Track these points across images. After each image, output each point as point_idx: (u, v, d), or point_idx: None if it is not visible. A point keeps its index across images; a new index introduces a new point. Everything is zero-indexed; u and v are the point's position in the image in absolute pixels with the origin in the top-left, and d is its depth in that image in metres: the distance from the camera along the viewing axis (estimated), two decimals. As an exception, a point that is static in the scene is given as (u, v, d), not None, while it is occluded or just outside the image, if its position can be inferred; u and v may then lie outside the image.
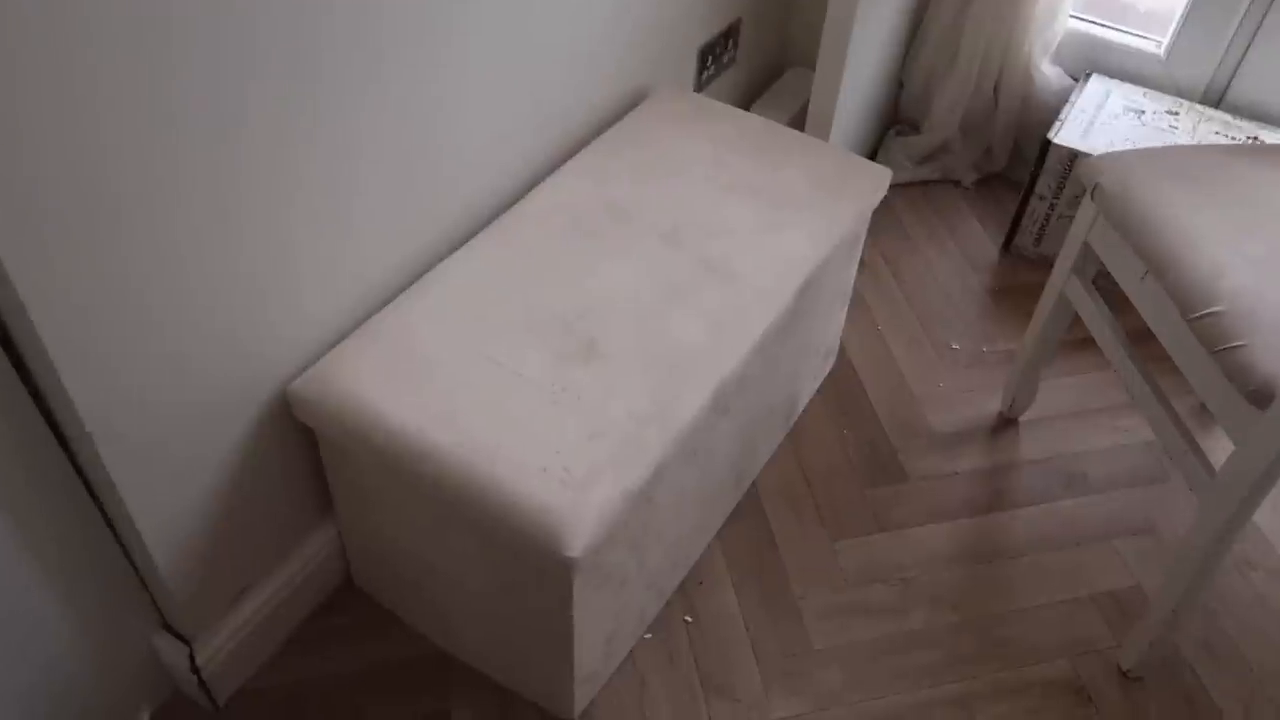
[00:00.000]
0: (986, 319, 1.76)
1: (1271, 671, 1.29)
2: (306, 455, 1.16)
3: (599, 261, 1.20)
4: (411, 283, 1.18)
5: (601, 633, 1.15)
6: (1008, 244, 1.89)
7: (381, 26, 0.99)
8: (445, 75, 1.11)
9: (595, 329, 1.13)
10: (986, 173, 2.05)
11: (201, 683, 1.15)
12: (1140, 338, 1.26)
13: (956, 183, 2.04)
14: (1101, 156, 1.29)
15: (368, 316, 1.14)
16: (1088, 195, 1.29)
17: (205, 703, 1.19)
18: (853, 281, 1.53)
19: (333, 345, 1.11)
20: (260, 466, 1.11)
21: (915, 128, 2.07)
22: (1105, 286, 1.34)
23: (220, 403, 1.01)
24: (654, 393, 1.07)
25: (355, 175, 1.04)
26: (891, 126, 2.09)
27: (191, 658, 1.12)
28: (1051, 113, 1.84)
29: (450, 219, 1.22)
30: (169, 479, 1.00)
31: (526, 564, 1.01)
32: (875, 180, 1.39)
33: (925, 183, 2.03)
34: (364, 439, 1.03)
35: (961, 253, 1.89)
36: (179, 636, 1.13)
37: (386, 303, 1.16)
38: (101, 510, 0.99)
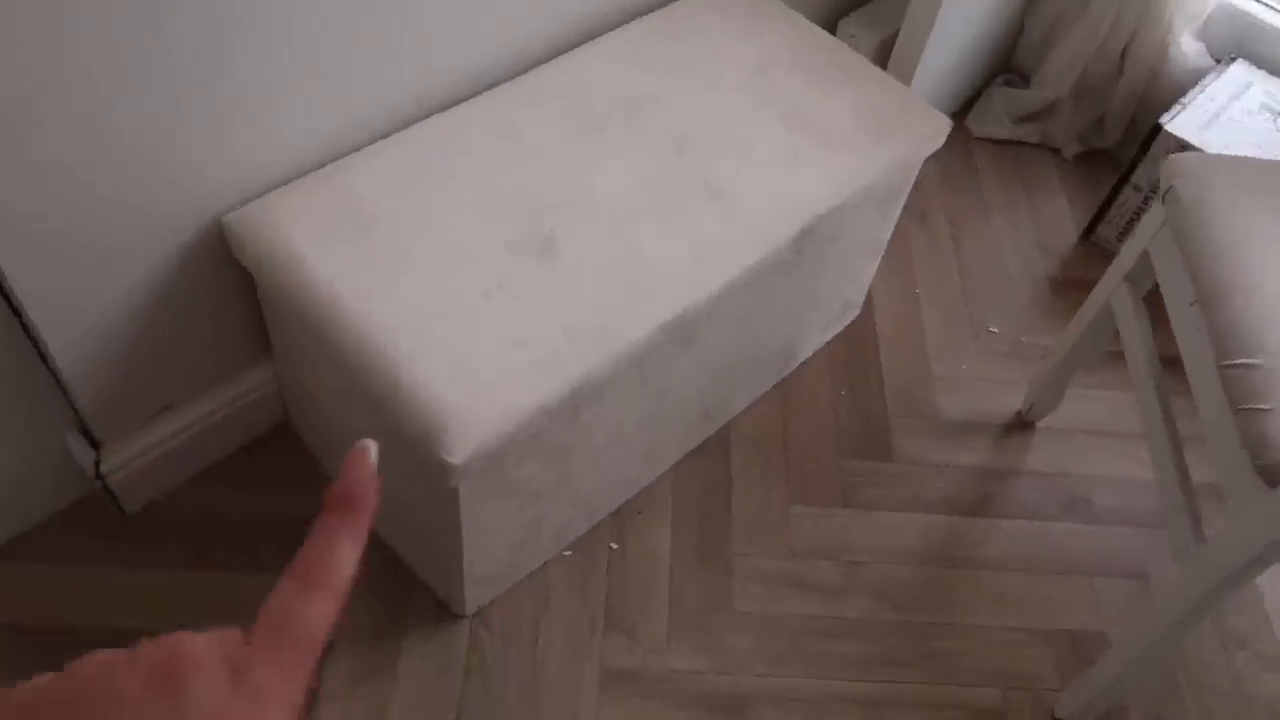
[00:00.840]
0: (1037, 308, 1.60)
1: (1220, 760, 1.17)
2: (247, 290, 1.12)
3: (589, 156, 1.10)
4: (383, 137, 1.10)
5: (503, 540, 1.10)
6: (1089, 232, 1.70)
7: None
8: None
9: (559, 227, 1.03)
10: (1092, 147, 1.84)
11: (106, 488, 1.14)
12: (1175, 370, 1.11)
13: (1056, 151, 1.84)
14: (1186, 156, 1.12)
15: (327, 163, 1.07)
16: (1159, 198, 1.12)
17: (114, 508, 1.19)
18: (888, 236, 1.39)
19: (282, 184, 1.04)
20: (189, 292, 1.06)
21: (1025, 79, 1.86)
22: (1158, 304, 1.18)
23: (143, 212, 0.96)
24: (600, 308, 0.98)
25: (316, 11, 0.95)
26: (1000, 74, 1.88)
27: (96, 462, 1.11)
28: (1180, 94, 1.62)
29: (434, 81, 1.12)
30: (76, 288, 0.96)
31: (415, 457, 0.95)
32: (932, 130, 1.24)
33: (1020, 144, 1.83)
34: (282, 287, 0.97)
35: (1035, 230, 1.71)
36: (91, 439, 1.12)
37: (347, 154, 1.08)
38: (7, 298, 0.96)
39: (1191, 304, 1.04)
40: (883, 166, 1.18)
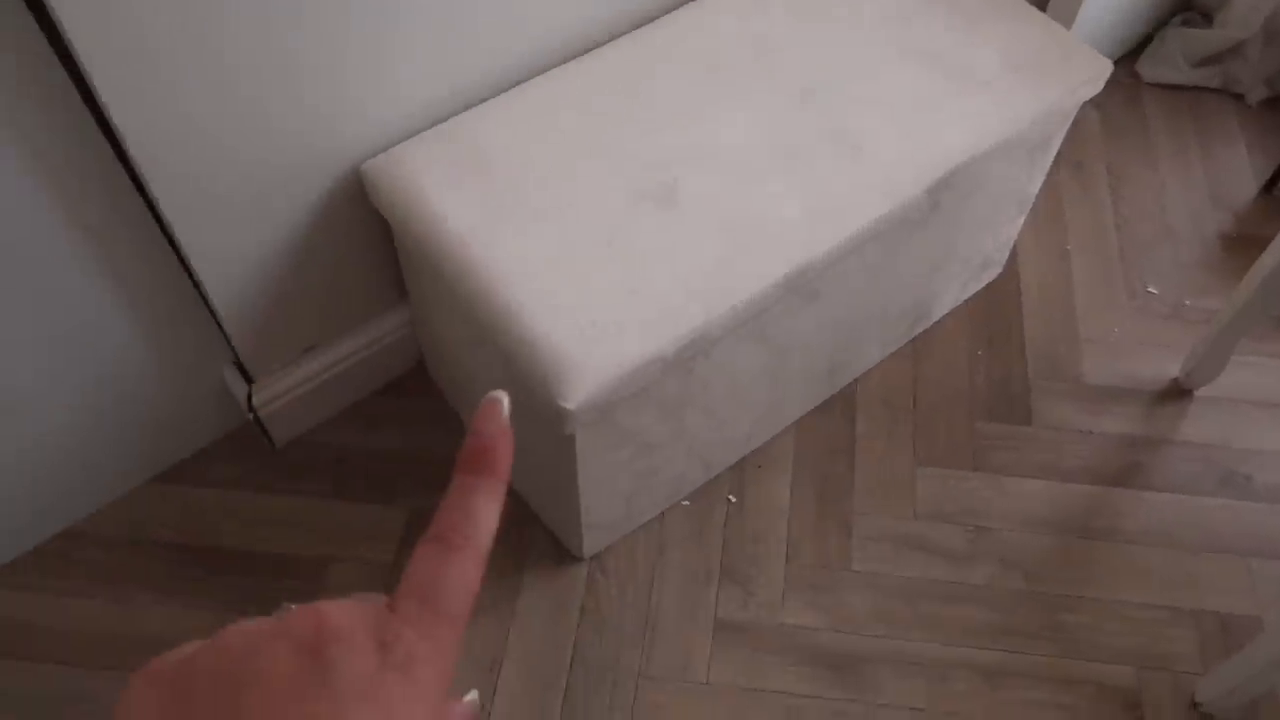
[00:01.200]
0: (1205, 268, 1.48)
1: (1384, 762, 1.08)
2: (385, 237, 1.16)
3: (714, 107, 1.08)
4: (512, 88, 1.11)
5: (619, 488, 1.12)
6: (1271, 185, 1.56)
7: None
8: None
9: (681, 178, 1.02)
10: (1282, 92, 1.67)
11: (258, 420, 1.22)
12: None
13: (1239, 97, 1.69)
14: (1384, 101, 1.00)
15: (458, 113, 1.09)
16: (1349, 147, 1.01)
17: (265, 440, 1.27)
18: (1037, 188, 1.31)
19: (415, 134, 1.07)
20: (331, 237, 1.11)
21: (1207, 18, 1.71)
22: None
23: (288, 165, 1.01)
24: (719, 261, 0.97)
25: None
26: (1179, 13, 1.73)
27: (249, 396, 1.19)
28: (1388, 33, 1.45)
29: (557, 34, 1.12)
30: (229, 232, 1.02)
31: (535, 404, 0.97)
32: (1090, 74, 1.15)
33: (1198, 89, 1.69)
34: (415, 234, 1.01)
35: (1209, 183, 1.58)
36: (245, 375, 1.20)
37: (475, 105, 1.10)
38: (174, 247, 1.03)
39: (1376, 266, 0.94)
40: (1031, 114, 1.11)
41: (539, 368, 0.91)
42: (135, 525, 1.21)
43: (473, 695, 0.33)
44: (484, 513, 0.29)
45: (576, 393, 0.89)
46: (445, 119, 1.08)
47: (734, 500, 1.25)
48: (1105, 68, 1.16)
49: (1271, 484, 1.27)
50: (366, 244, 1.16)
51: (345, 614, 0.26)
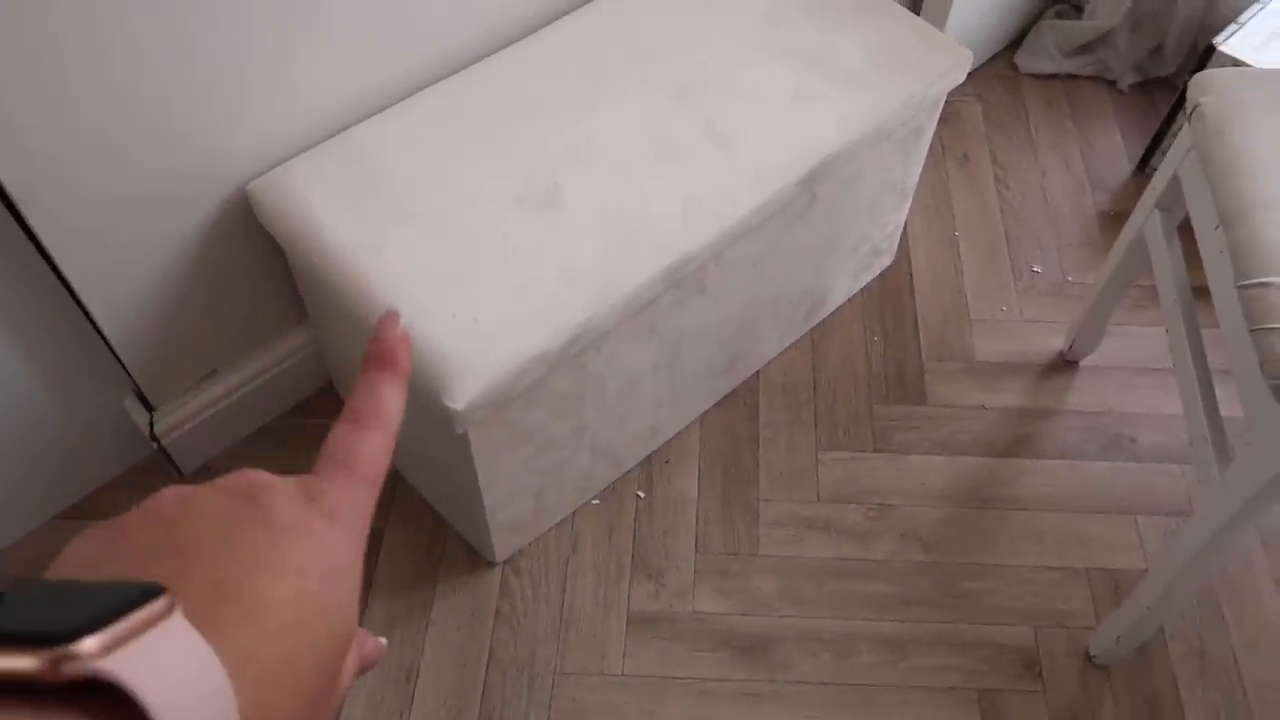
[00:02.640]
0: (1086, 246, 1.55)
1: (1267, 699, 1.13)
2: (279, 255, 1.17)
3: (594, 109, 1.12)
4: (399, 101, 1.14)
5: (526, 487, 1.14)
6: (1143, 163, 1.64)
7: None
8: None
9: (563, 178, 1.05)
10: (1151, 76, 1.76)
11: (162, 448, 1.22)
12: (1207, 301, 1.07)
13: (1112, 83, 1.77)
14: (1214, 73, 1.07)
15: (346, 128, 1.11)
16: (1186, 118, 1.07)
17: (171, 469, 1.27)
18: (915, 178, 1.36)
19: (302, 151, 1.09)
20: (223, 259, 1.12)
21: (1078, 10, 1.79)
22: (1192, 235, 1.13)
23: (171, 189, 1.02)
24: (600, 256, 1.00)
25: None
26: (1052, 5, 1.82)
27: (151, 424, 1.19)
28: (1240, 14, 1.53)
29: (444, 46, 1.15)
30: (115, 259, 1.03)
31: (426, 406, 0.99)
32: (952, 64, 1.21)
33: (1073, 78, 1.77)
34: (302, 250, 1.02)
35: (1087, 166, 1.65)
36: (146, 403, 1.20)
37: (367, 119, 1.12)
38: (60, 277, 1.04)
39: (1216, 227, 1.00)
40: (897, 104, 1.16)
41: (426, 370, 0.93)
42: (37, 567, 1.20)
43: (382, 640, 0.35)
44: (391, 399, 0.33)
45: (463, 392, 0.92)
46: (331, 134, 1.10)
47: (643, 496, 1.27)
48: (966, 57, 1.22)
49: (1154, 444, 1.33)
50: (261, 264, 1.17)
51: (271, 475, 0.29)
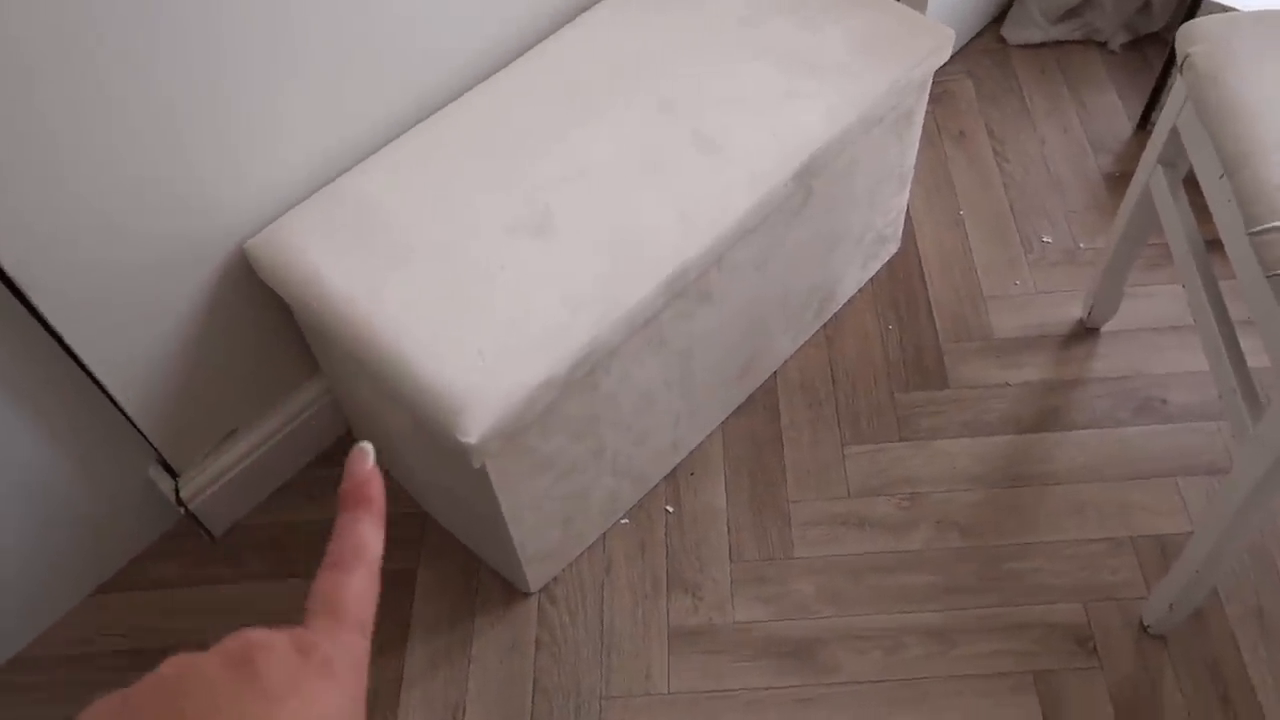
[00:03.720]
0: (1094, 210, 1.52)
1: (1333, 652, 1.10)
2: (285, 309, 1.18)
3: (580, 130, 1.11)
4: (385, 144, 1.14)
5: (552, 515, 1.13)
6: (1144, 120, 1.61)
7: None
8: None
9: (555, 203, 1.05)
10: (1141, 33, 1.74)
11: (190, 514, 1.23)
12: (1221, 253, 1.05)
13: (1102, 45, 1.75)
14: (1200, 21, 1.05)
15: (336, 177, 1.12)
16: (1178, 69, 1.06)
17: (201, 533, 1.27)
18: (911, 162, 1.35)
19: (294, 205, 1.10)
20: (229, 320, 1.13)
21: (1059, -23, 1.77)
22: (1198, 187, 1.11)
23: (167, 260, 1.03)
24: (599, 276, 1.00)
25: (303, 36, 1.00)
26: (1033, -26, 1.80)
27: (176, 490, 1.20)
28: (1222, -39, 1.51)
29: (427, 85, 1.15)
30: (123, 330, 1.04)
31: (441, 444, 0.99)
32: (934, 44, 1.20)
33: (1062, 44, 1.75)
34: (306, 303, 1.03)
35: (1086, 130, 1.63)
36: (170, 470, 1.21)
37: (356, 164, 1.12)
38: (70, 353, 1.05)
39: (1221, 176, 0.98)
40: (882, 89, 1.15)
41: (436, 408, 0.93)
42: (82, 641, 1.21)
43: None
44: (369, 536, 0.34)
45: (475, 426, 0.91)
46: (323, 184, 1.11)
47: (671, 511, 1.26)
48: (948, 37, 1.21)
49: (1184, 403, 1.30)
50: (268, 320, 1.17)
51: (267, 632, 0.30)
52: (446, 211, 1.06)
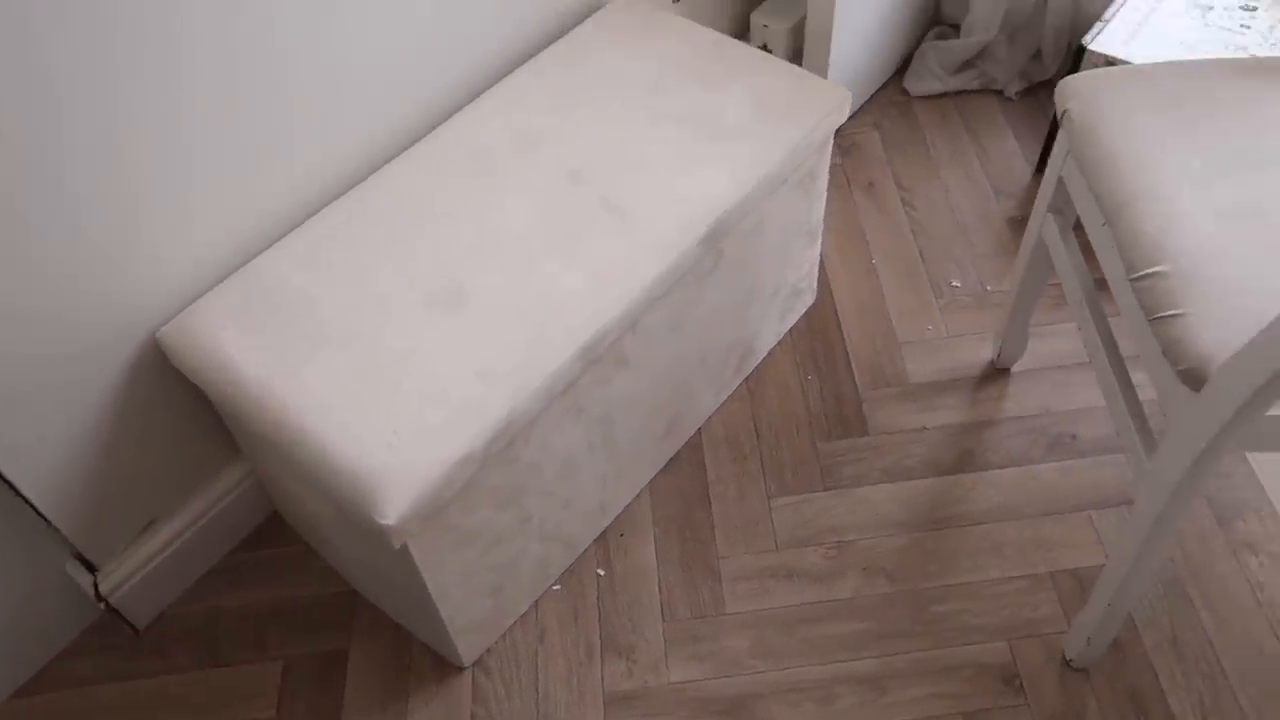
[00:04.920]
0: (999, 253, 1.58)
1: (1246, 674, 1.14)
2: (202, 395, 1.17)
3: (490, 203, 1.13)
4: (298, 224, 1.15)
5: (481, 587, 1.13)
6: (1041, 164, 1.68)
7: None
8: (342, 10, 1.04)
9: (467, 276, 1.07)
10: (1035, 81, 1.82)
11: (111, 608, 1.20)
12: (1110, 293, 1.09)
13: (999, 93, 1.82)
14: (1076, 78, 1.11)
15: (250, 259, 1.12)
16: (1059, 123, 1.11)
17: (125, 626, 1.24)
18: (819, 217, 1.39)
19: (206, 291, 1.09)
20: (144, 408, 1.12)
21: (955, 29, 1.85)
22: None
23: (77, 353, 1.02)
24: (513, 348, 1.01)
25: (213, 119, 1.00)
26: (930, 28, 1.87)
27: (95, 585, 1.17)
28: (1107, 7, 1.59)
29: (335, 166, 1.16)
30: (33, 423, 1.02)
31: (361, 525, 0.98)
32: (832, 104, 1.24)
33: (962, 93, 1.82)
34: (219, 390, 1.02)
35: (989, 176, 1.69)
36: (88, 565, 1.18)
37: (268, 247, 1.13)
38: (-24, 451, 1.03)
39: (1103, 224, 1.03)
40: (784, 151, 1.19)
41: (353, 490, 0.92)
42: (1, 745, 1.17)
43: None
44: None
45: (392, 507, 0.91)
46: (234, 268, 1.11)
47: (603, 573, 1.27)
48: (845, 98, 1.26)
49: (1093, 438, 1.34)
50: (185, 405, 1.16)
51: None
52: (360, 290, 1.06)
